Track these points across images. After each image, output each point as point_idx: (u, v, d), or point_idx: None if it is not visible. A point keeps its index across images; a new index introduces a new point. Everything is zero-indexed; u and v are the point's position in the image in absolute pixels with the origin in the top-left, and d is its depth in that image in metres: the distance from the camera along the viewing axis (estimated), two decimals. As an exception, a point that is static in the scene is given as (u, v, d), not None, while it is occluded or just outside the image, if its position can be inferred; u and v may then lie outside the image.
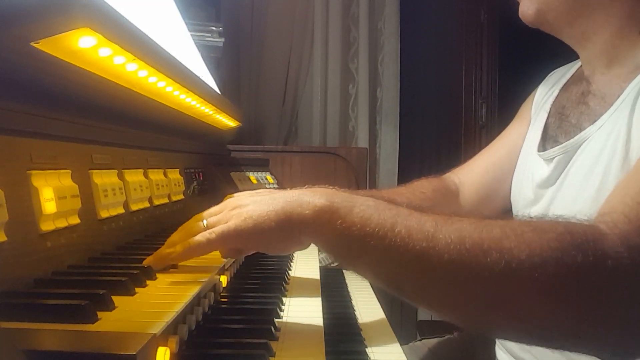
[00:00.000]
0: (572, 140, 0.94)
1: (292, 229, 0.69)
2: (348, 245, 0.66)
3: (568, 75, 1.10)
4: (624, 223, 0.64)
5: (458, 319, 0.69)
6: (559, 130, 1.01)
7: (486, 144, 1.28)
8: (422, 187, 1.21)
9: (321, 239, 0.69)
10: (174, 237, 0.77)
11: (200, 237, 0.71)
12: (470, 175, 1.24)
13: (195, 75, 1.10)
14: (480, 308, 0.64)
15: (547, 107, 1.08)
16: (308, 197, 0.68)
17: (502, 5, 2.97)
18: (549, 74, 1.18)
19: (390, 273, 0.67)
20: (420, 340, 1.33)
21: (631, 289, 0.61)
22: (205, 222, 0.74)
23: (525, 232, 0.62)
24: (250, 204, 0.72)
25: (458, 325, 0.81)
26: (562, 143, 0.97)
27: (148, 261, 0.74)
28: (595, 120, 0.91)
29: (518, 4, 0.99)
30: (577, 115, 0.98)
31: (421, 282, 0.65)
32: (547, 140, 1.03)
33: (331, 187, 0.73)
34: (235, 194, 1.04)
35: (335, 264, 1.37)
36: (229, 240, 0.71)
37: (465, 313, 0.66)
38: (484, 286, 0.62)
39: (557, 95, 1.08)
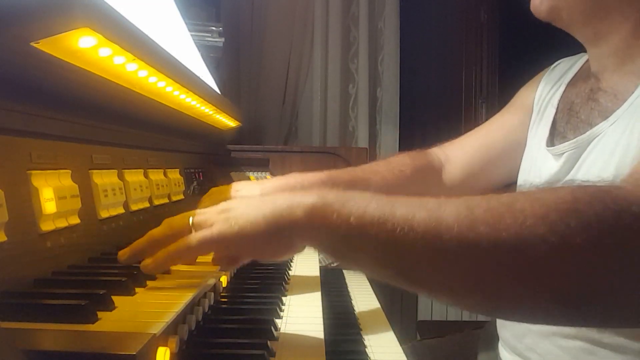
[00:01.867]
0: (583, 136, 0.94)
1: (282, 233, 0.64)
2: (347, 238, 0.61)
3: (575, 69, 1.09)
4: None
5: (481, 302, 0.60)
6: (568, 126, 1.01)
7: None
8: (402, 164, 1.15)
9: (317, 238, 0.64)
10: (156, 231, 0.72)
11: (180, 242, 0.67)
12: (458, 153, 1.21)
13: (195, 75, 1.10)
14: (503, 280, 0.56)
15: (555, 102, 1.07)
16: (298, 198, 0.64)
17: (502, 5, 2.98)
18: (554, 64, 1.16)
19: (396, 261, 0.59)
20: (420, 340, 1.33)
21: None
22: (191, 219, 0.70)
23: (536, 193, 0.58)
24: (239, 207, 0.67)
25: (481, 312, 0.72)
26: (571, 139, 0.96)
27: (124, 254, 0.70)
28: (607, 117, 0.91)
29: None
30: (587, 111, 0.97)
31: (432, 263, 0.57)
32: (556, 136, 1.03)
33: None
34: (235, 185, 1.03)
35: (335, 264, 1.36)
36: (210, 247, 0.67)
37: (488, 291, 0.58)
38: (504, 253, 0.55)
39: (565, 90, 1.07)
